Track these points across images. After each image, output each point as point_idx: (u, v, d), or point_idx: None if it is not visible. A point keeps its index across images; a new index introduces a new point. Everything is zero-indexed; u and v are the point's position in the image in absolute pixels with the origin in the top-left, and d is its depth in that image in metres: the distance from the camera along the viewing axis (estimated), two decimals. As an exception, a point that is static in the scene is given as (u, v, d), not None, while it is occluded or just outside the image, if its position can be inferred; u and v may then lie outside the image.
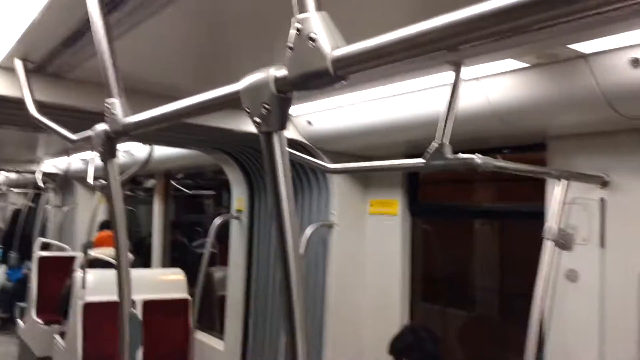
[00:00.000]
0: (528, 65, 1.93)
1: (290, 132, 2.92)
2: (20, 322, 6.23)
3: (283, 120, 0.86)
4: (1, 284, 7.67)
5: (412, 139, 2.55)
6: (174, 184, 6.08)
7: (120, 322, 1.44)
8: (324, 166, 2.33)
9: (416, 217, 3.06)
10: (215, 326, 4.62)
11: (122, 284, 1.44)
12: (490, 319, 3.67)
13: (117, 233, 1.43)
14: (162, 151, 4.18)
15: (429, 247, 3.39)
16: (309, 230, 2.82)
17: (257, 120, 0.86)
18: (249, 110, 0.88)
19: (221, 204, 7.56)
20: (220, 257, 4.95)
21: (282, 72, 0.82)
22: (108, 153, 1.41)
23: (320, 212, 3.10)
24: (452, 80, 1.80)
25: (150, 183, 6.28)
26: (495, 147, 2.57)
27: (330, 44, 0.75)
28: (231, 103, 0.97)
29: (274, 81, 0.83)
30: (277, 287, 3.43)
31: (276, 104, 0.84)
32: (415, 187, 3.02)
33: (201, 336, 4.12)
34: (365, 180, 3.18)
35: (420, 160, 1.81)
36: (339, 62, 0.74)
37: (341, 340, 3.09)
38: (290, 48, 0.79)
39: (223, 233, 4.01)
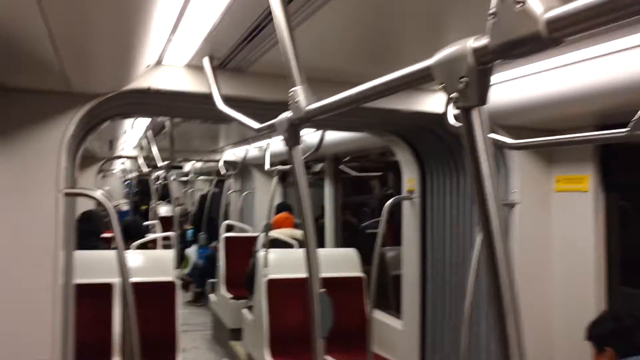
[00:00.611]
0: None
1: (462, 108, 2.80)
2: (211, 296, 6.89)
3: (484, 93, 0.80)
4: (194, 262, 8.50)
5: (606, 107, 2.28)
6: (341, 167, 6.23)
7: (311, 301, 1.48)
8: (505, 142, 2.19)
9: (612, 193, 2.75)
10: (390, 305, 4.67)
11: (311, 263, 1.49)
12: None
13: (304, 215, 1.48)
14: (331, 136, 4.29)
15: (630, 225, 3.04)
16: (487, 211, 2.68)
17: (454, 95, 0.82)
18: (444, 86, 0.84)
19: (387, 185, 7.61)
20: (389, 237, 4.97)
21: (481, 42, 0.76)
22: (292, 139, 1.46)
23: (500, 191, 2.93)
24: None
25: (318, 167, 6.52)
26: None
27: (542, 5, 0.67)
28: (420, 81, 0.94)
29: (472, 52, 0.78)
30: (454, 267, 3.34)
31: (476, 76, 0.78)
32: (610, 160, 2.72)
33: (378, 315, 4.18)
34: (549, 155, 2.93)
35: (623, 130, 1.60)
36: (554, 24, 0.66)
37: (528, 325, 2.91)
38: (493, 15, 0.73)
39: (389, 213, 4.00)
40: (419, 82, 0.93)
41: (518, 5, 0.68)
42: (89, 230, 4.30)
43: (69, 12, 1.35)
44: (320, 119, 1.39)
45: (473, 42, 0.77)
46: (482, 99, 0.80)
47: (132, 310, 2.37)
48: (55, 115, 2.23)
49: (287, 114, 1.43)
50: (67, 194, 2.29)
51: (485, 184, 0.81)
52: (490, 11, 0.72)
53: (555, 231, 2.93)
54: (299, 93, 1.34)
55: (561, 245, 2.91)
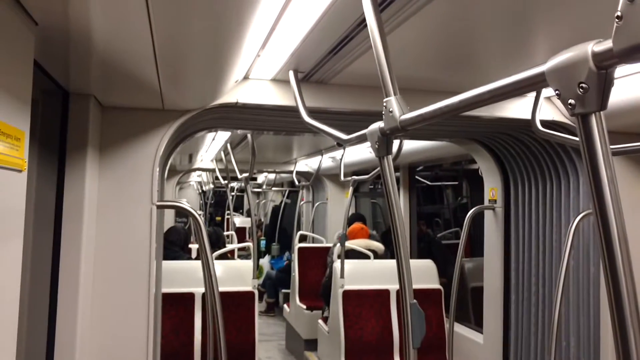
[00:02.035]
0: None
1: (547, 113, 2.72)
2: (285, 306, 6.96)
3: (605, 98, 0.78)
4: (267, 272, 8.64)
5: None
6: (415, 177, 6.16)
7: (403, 311, 1.47)
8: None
9: None
10: (469, 317, 4.56)
11: (403, 276, 1.48)
12: None
13: (394, 226, 1.47)
14: (406, 145, 4.26)
15: None
16: (578, 219, 2.58)
17: (571, 102, 0.80)
18: (558, 92, 0.82)
19: (461, 195, 7.46)
20: (464, 248, 4.88)
21: (604, 46, 0.75)
22: (383, 149, 1.46)
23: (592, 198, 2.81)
24: None
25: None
26: None
27: (677, 6, 0.65)
28: (531, 88, 0.93)
29: (592, 57, 0.76)
30: (540, 279, 3.23)
31: (597, 81, 0.77)
32: None
33: (457, 327, 4.09)
34: (646, 160, 2.80)
35: None
36: (689, 24, 0.64)
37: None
38: (618, 18, 0.72)
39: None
40: (530, 89, 0.92)
41: (651, 7, 0.66)
42: (173, 242, 4.48)
43: (174, 34, 1.43)
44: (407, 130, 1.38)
45: (593, 46, 0.76)
46: (603, 105, 0.78)
47: (220, 319, 2.43)
48: (149, 131, 2.35)
49: (379, 124, 1.44)
50: (159, 206, 2.40)
51: (605, 192, 0.79)
52: (617, 14, 0.71)
53: (654, 241, 2.78)
54: (393, 103, 1.35)
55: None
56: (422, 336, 1.50)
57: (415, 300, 1.52)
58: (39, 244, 2.04)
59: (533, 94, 2.55)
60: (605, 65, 0.76)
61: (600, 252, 0.80)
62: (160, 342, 2.90)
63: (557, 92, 0.83)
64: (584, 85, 0.78)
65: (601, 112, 0.79)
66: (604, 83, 0.77)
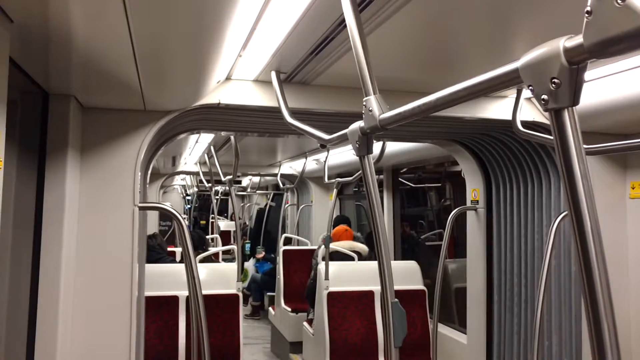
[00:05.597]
0: None
1: (528, 114, 2.75)
2: (271, 309, 6.94)
3: (577, 93, 0.79)
4: (252, 275, 8.61)
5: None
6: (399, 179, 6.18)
7: (385, 311, 1.47)
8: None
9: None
10: (452, 318, 4.59)
11: (384, 275, 1.48)
12: None
13: (375, 226, 1.47)
14: (389, 147, 4.28)
15: None
16: (559, 219, 2.61)
17: (544, 97, 0.81)
18: (532, 88, 0.83)
19: (445, 197, 7.50)
20: (447, 249, 4.92)
21: (575, 41, 0.76)
22: (364, 148, 1.46)
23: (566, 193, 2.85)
24: None
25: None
26: None
27: (645, -1, 0.66)
28: (505, 84, 0.94)
29: (564, 52, 0.77)
30: (522, 278, 3.26)
31: (569, 76, 0.78)
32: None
33: (441, 328, 4.11)
34: (624, 160, 2.83)
35: None
36: (657, 19, 0.65)
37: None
38: (588, 13, 0.73)
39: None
40: (505, 85, 0.93)
41: (617, 2, 0.68)
42: (155, 245, 4.46)
43: (153, 33, 1.42)
44: (386, 129, 1.39)
45: (565, 42, 0.77)
46: (576, 100, 0.80)
47: (204, 322, 2.41)
48: (131, 132, 2.33)
49: (359, 124, 1.44)
50: (141, 208, 2.38)
51: (579, 187, 0.80)
52: (587, 9, 0.72)
53: (631, 239, 2.82)
54: (373, 102, 1.35)
55: (637, 253, 2.79)
56: (404, 335, 1.49)
57: (396, 299, 1.52)
58: (18, 246, 2.02)
59: (514, 95, 2.58)
60: (576, 60, 0.77)
61: (575, 247, 0.80)
62: (143, 345, 2.87)
63: (530, 87, 0.84)
64: (556, 80, 0.79)
65: (574, 108, 0.80)
66: (576, 78, 0.79)
